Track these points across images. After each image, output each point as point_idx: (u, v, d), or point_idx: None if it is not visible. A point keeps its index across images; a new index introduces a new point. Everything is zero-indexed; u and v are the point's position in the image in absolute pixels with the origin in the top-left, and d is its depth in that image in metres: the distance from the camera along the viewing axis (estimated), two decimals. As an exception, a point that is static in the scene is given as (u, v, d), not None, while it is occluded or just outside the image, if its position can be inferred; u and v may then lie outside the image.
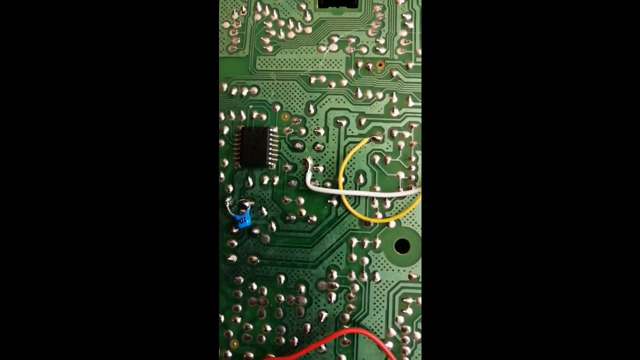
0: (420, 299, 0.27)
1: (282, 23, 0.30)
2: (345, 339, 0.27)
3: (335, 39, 0.30)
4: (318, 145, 0.29)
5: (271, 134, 0.28)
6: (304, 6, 0.30)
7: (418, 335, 0.27)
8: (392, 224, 0.28)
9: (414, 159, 0.28)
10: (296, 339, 0.27)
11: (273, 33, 0.30)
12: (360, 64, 0.29)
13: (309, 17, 0.30)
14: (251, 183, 0.28)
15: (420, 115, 0.28)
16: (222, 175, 0.29)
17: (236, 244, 0.28)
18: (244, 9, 0.31)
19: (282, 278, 0.28)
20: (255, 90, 0.30)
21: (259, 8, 0.31)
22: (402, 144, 0.28)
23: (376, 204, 0.28)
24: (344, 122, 0.29)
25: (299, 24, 0.30)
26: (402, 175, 0.28)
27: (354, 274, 0.27)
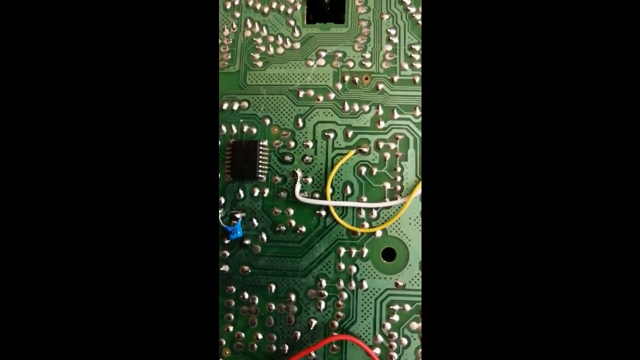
0: (407, 307, 0.28)
1: (272, 39, 0.31)
2: (334, 345, 0.28)
3: (323, 53, 0.31)
4: (307, 158, 0.30)
5: (261, 147, 0.29)
6: (292, 22, 0.32)
7: (405, 341, 0.28)
8: (379, 233, 0.28)
9: (399, 169, 0.29)
10: (287, 347, 0.28)
11: (263, 49, 0.31)
12: (347, 78, 0.30)
13: (297, 33, 0.31)
14: (242, 195, 0.29)
15: (407, 127, 0.29)
16: (213, 187, 0.30)
17: (228, 254, 0.29)
18: (234, 25, 0.32)
19: (273, 287, 0.29)
20: (245, 104, 0.31)
21: (249, 25, 0.32)
22: (387, 155, 0.29)
23: (363, 214, 0.29)
24: (332, 135, 0.30)
25: (287, 39, 0.31)
26: (388, 185, 0.29)
27: (342, 283, 0.28)
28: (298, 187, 0.29)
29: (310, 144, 0.30)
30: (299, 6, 0.32)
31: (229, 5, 0.32)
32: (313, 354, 0.28)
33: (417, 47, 0.30)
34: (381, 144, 0.29)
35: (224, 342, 0.28)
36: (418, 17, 0.31)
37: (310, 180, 0.29)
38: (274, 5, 0.32)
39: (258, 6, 0.32)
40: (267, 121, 0.30)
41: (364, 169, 0.29)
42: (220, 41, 0.32)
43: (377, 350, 0.28)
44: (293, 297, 0.28)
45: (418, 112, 0.30)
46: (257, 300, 0.29)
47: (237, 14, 0.32)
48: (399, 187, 0.29)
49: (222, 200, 0.29)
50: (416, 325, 0.28)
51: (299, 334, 0.28)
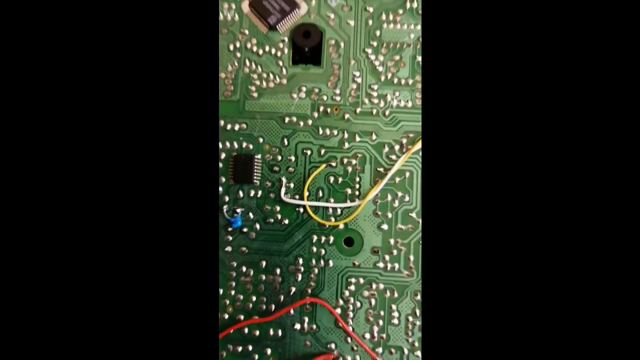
0: (361, 280, 0.38)
1: (265, 75, 0.41)
2: (307, 306, 0.38)
3: (304, 88, 0.41)
4: (290, 169, 0.39)
5: (256, 160, 0.39)
6: (281, 63, 0.41)
7: (358, 304, 0.38)
8: (342, 226, 0.39)
9: (357, 179, 0.39)
10: (273, 306, 0.38)
11: (258, 83, 0.41)
12: (321, 109, 0.40)
13: (284, 72, 0.41)
14: (241, 195, 0.39)
15: (365, 147, 0.40)
16: (220, 189, 0.40)
17: (231, 239, 0.38)
18: (236, 63, 0.41)
19: (264, 263, 0.39)
20: (244, 126, 0.40)
21: (247, 63, 0.41)
22: (349, 169, 0.40)
23: (331, 212, 0.39)
24: (309, 152, 0.40)
25: (277, 76, 0.41)
26: (349, 191, 0.39)
27: (314, 261, 0.38)
28: (283, 190, 0.39)
29: (293, 158, 0.39)
30: (286, 50, 0.41)
31: (232, 47, 0.42)
32: (292, 312, 0.38)
33: (375, 87, 0.41)
34: (345, 160, 0.40)
35: (228, 302, 0.39)
36: (377, 63, 0.41)
37: (292, 185, 0.39)
38: (267, 49, 0.41)
39: (254, 49, 0.41)
40: (261, 139, 0.40)
41: (332, 178, 0.39)
42: (225, 75, 0.41)
43: (338, 310, 0.38)
44: (278, 270, 0.38)
45: (374, 137, 0.40)
46: (252, 273, 0.38)
47: (239, 54, 0.41)
48: (357, 193, 0.39)
49: (227, 198, 0.39)
50: (367, 293, 0.38)
51: (282, 297, 0.38)
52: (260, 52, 0.40)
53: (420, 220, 0.38)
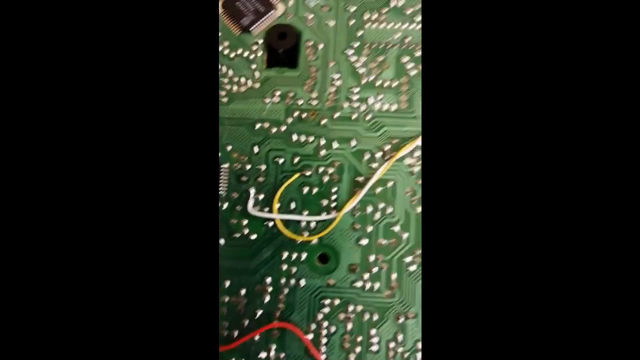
0: (336, 301, 0.34)
1: (236, 79, 0.38)
2: (275, 331, 0.34)
3: (278, 93, 0.38)
4: (259, 179, 0.36)
5: (222, 169, 0.36)
6: (253, 66, 0.38)
7: (333, 328, 0.34)
8: (315, 241, 0.35)
9: (334, 190, 0.35)
10: (236, 332, 0.34)
11: (228, 87, 0.38)
12: (296, 114, 0.37)
13: (257, 75, 0.38)
14: (205, 207, 0.36)
15: (343, 155, 0.36)
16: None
17: None
18: (206, 67, 0.39)
19: (227, 283, 0.35)
20: (212, 133, 0.37)
21: (218, 67, 0.39)
22: (325, 178, 0.36)
23: (303, 226, 0.35)
24: (281, 160, 0.36)
25: (249, 80, 0.38)
26: (324, 202, 0.35)
27: (284, 280, 0.35)
28: (251, 202, 0.35)
29: (263, 167, 0.36)
30: (260, 53, 0.39)
31: (203, 51, 0.39)
32: (257, 338, 0.34)
33: (356, 90, 0.37)
34: (321, 169, 0.36)
35: (185, 326, 0.35)
36: (358, 65, 0.38)
37: (262, 196, 0.36)
38: (239, 51, 0.39)
39: (226, 52, 0.39)
40: (229, 147, 0.37)
41: (305, 189, 0.36)
42: (194, 80, 0.38)
43: (310, 336, 0.34)
44: (243, 291, 0.35)
45: (353, 143, 0.36)
46: (214, 293, 0.35)
47: (209, 58, 0.39)
48: (333, 204, 0.35)
49: (189, 211, 0.36)
50: (342, 316, 0.34)
51: (246, 321, 0.34)
52: (232, 55, 0.37)
53: (405, 235, 0.35)
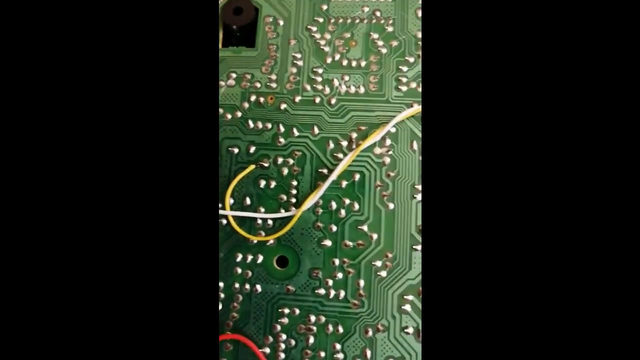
0: (297, 310, 0.30)
1: (187, 60, 0.34)
2: (227, 344, 0.30)
3: (234, 75, 0.33)
4: (211, 171, 0.32)
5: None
6: (206, 45, 0.34)
7: (293, 342, 0.30)
8: (272, 242, 0.31)
9: (295, 183, 0.31)
10: (183, 344, 0.30)
11: (179, 69, 0.34)
12: (253, 98, 0.33)
13: (211, 55, 0.34)
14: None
15: (305, 144, 0.32)
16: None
17: None
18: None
19: (173, 289, 0.31)
20: (159, 120, 0.33)
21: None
22: (285, 170, 0.32)
23: (260, 224, 0.31)
24: (235, 150, 0.32)
25: (201, 61, 0.34)
26: (284, 198, 0.31)
27: (237, 286, 0.31)
28: (200, 197, 0.31)
29: (215, 158, 0.32)
30: (214, 30, 0.34)
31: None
32: (205, 352, 0.30)
33: (320, 70, 0.33)
34: (280, 160, 0.32)
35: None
36: (322, 42, 0.33)
37: (213, 191, 0.32)
38: (191, 29, 0.34)
39: (177, 30, 0.34)
40: (177, 136, 0.33)
41: (262, 182, 0.32)
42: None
43: (267, 350, 0.30)
44: (191, 298, 0.31)
45: (316, 131, 0.32)
46: (157, 301, 0.31)
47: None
48: (293, 200, 0.31)
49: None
50: (303, 328, 0.30)
51: (194, 333, 0.30)
52: (183, 33, 0.33)
53: (375, 236, 0.31)
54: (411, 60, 0.32)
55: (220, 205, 0.31)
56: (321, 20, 0.34)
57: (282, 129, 0.32)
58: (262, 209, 0.31)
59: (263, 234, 0.31)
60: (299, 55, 0.33)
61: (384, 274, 0.30)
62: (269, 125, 0.32)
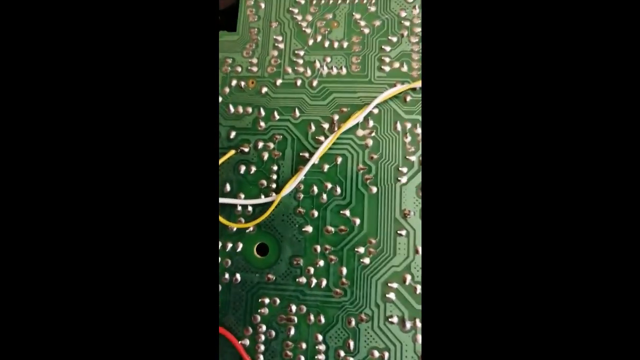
0: (277, 300, 0.29)
1: (167, 46, 0.33)
2: (205, 335, 0.29)
3: (214, 60, 0.32)
4: (189, 157, 0.31)
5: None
6: (186, 31, 0.33)
7: (273, 333, 0.29)
8: (252, 229, 0.30)
9: (275, 168, 0.30)
10: (160, 336, 0.29)
11: (158, 56, 0.33)
12: (234, 82, 0.32)
13: (191, 41, 0.33)
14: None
15: (286, 127, 0.31)
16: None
17: None
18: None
19: (150, 279, 0.30)
20: (138, 107, 0.32)
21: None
22: (265, 155, 0.30)
23: (239, 210, 0.30)
24: (215, 136, 0.31)
25: (181, 47, 0.33)
26: (264, 183, 0.30)
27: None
28: (178, 184, 0.30)
29: (194, 144, 0.31)
30: (194, 15, 0.34)
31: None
32: (182, 343, 0.29)
33: (301, 53, 0.32)
34: (260, 144, 0.31)
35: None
36: (304, 24, 0.32)
37: (192, 178, 0.31)
38: (171, 14, 0.34)
39: (156, 16, 0.34)
40: (156, 123, 0.32)
41: (242, 168, 0.30)
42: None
43: (246, 342, 0.29)
44: (168, 288, 0.30)
45: (298, 114, 0.31)
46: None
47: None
48: (273, 185, 0.30)
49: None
50: (284, 318, 0.29)
51: (171, 324, 0.29)
52: (163, 18, 0.32)
53: (357, 221, 0.29)
54: (394, 39, 0.31)
55: (199, 192, 0.30)
56: (303, 1, 0.33)
57: (262, 112, 0.31)
58: (242, 195, 0.30)
59: (243, 220, 0.30)
60: (280, 38, 0.32)
61: (367, 260, 0.28)
62: (250, 110, 0.31)
